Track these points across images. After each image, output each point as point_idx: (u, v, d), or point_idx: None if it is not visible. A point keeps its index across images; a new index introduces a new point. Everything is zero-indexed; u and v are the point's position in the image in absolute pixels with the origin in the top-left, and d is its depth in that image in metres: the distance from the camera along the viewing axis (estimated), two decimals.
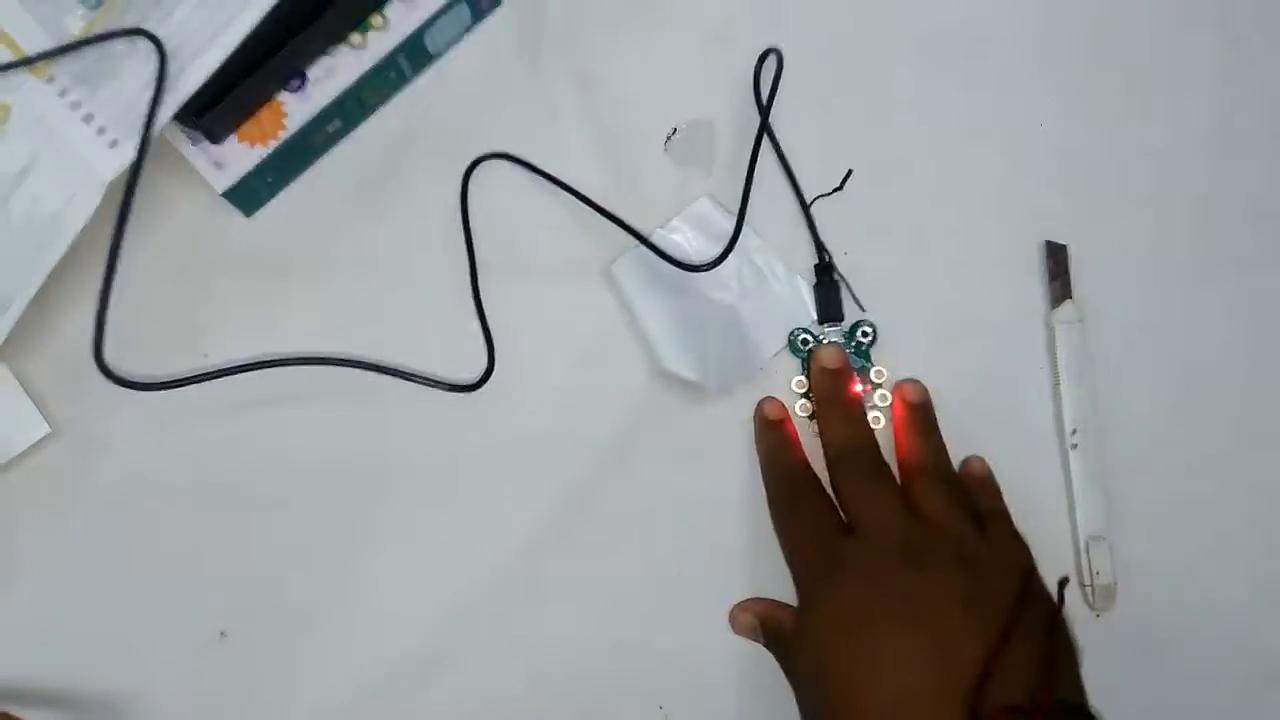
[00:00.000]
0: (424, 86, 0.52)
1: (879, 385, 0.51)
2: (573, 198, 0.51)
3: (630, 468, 0.50)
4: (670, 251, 0.50)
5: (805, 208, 0.51)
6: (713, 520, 0.50)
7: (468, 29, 0.52)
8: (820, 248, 0.51)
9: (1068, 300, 0.51)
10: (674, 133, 0.52)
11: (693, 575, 0.49)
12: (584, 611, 0.49)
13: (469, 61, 0.52)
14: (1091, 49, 0.54)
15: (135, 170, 0.45)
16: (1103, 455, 0.50)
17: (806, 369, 0.51)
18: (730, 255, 0.49)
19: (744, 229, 0.50)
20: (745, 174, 0.50)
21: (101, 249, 0.46)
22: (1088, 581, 0.49)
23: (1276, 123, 0.53)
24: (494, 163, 0.52)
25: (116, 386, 0.47)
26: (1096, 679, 0.49)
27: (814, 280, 0.51)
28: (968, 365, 0.51)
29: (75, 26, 0.47)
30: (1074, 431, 0.50)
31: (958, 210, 0.52)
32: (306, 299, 0.51)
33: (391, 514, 0.49)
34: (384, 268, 0.51)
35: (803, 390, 0.51)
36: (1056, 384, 0.51)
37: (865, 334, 0.51)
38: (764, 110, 0.51)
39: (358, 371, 0.49)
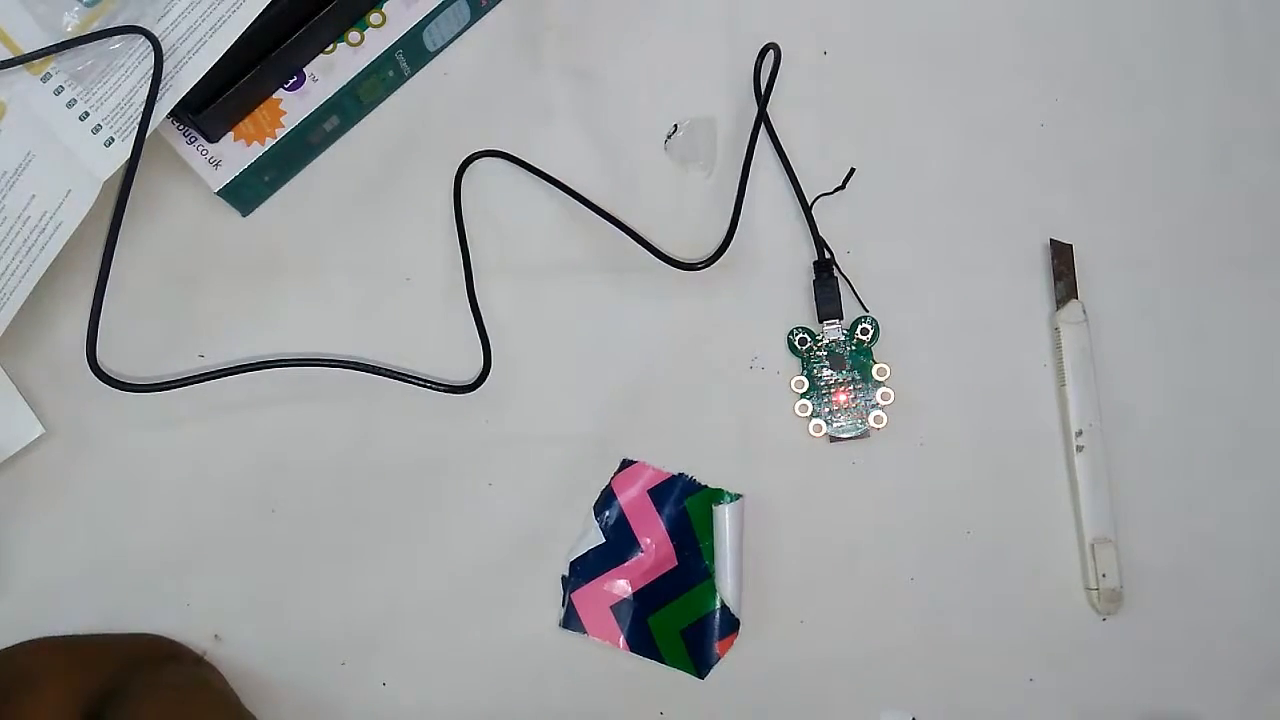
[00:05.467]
0: (422, 84, 0.52)
1: (881, 383, 0.50)
2: (570, 197, 0.50)
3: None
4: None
5: (805, 206, 0.51)
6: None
7: (466, 26, 0.52)
8: (820, 245, 0.51)
9: (1073, 300, 0.50)
10: (674, 130, 0.52)
11: None
12: None
13: (468, 59, 0.52)
14: (1093, 49, 0.54)
15: (131, 169, 0.45)
16: (1108, 457, 0.49)
17: (806, 368, 0.50)
18: None
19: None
20: (742, 166, 0.50)
21: (96, 248, 0.46)
22: (1094, 585, 0.48)
23: (1277, 123, 0.53)
24: (491, 162, 0.51)
25: (110, 387, 0.46)
26: (1102, 682, 0.49)
27: (814, 277, 0.51)
28: (971, 365, 0.51)
29: (71, 24, 0.46)
30: (1079, 433, 0.49)
31: (961, 210, 0.52)
32: (304, 298, 0.50)
33: (388, 515, 0.49)
34: (382, 267, 0.51)
35: (802, 390, 0.50)
36: (1061, 385, 0.50)
37: (865, 331, 0.50)
38: (762, 99, 0.51)
39: (354, 372, 0.49)
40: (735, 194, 0.50)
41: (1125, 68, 0.53)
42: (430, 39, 0.50)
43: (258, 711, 0.47)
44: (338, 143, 0.51)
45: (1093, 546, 0.49)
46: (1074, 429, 0.50)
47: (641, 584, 0.48)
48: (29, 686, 0.43)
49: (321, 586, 0.48)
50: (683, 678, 0.48)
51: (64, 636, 0.47)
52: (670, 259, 0.50)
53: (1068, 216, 0.52)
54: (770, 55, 0.51)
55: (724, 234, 0.50)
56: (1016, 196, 0.52)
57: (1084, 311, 0.50)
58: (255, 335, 0.50)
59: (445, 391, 0.49)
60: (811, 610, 0.49)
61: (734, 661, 0.48)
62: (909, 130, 0.53)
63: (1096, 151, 0.53)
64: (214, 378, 0.48)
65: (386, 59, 0.49)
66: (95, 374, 0.46)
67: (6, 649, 0.46)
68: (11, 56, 0.46)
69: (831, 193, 0.52)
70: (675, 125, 0.52)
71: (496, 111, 0.52)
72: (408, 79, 0.52)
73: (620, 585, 0.48)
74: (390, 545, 0.49)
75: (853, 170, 0.52)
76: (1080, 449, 0.49)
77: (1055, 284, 0.51)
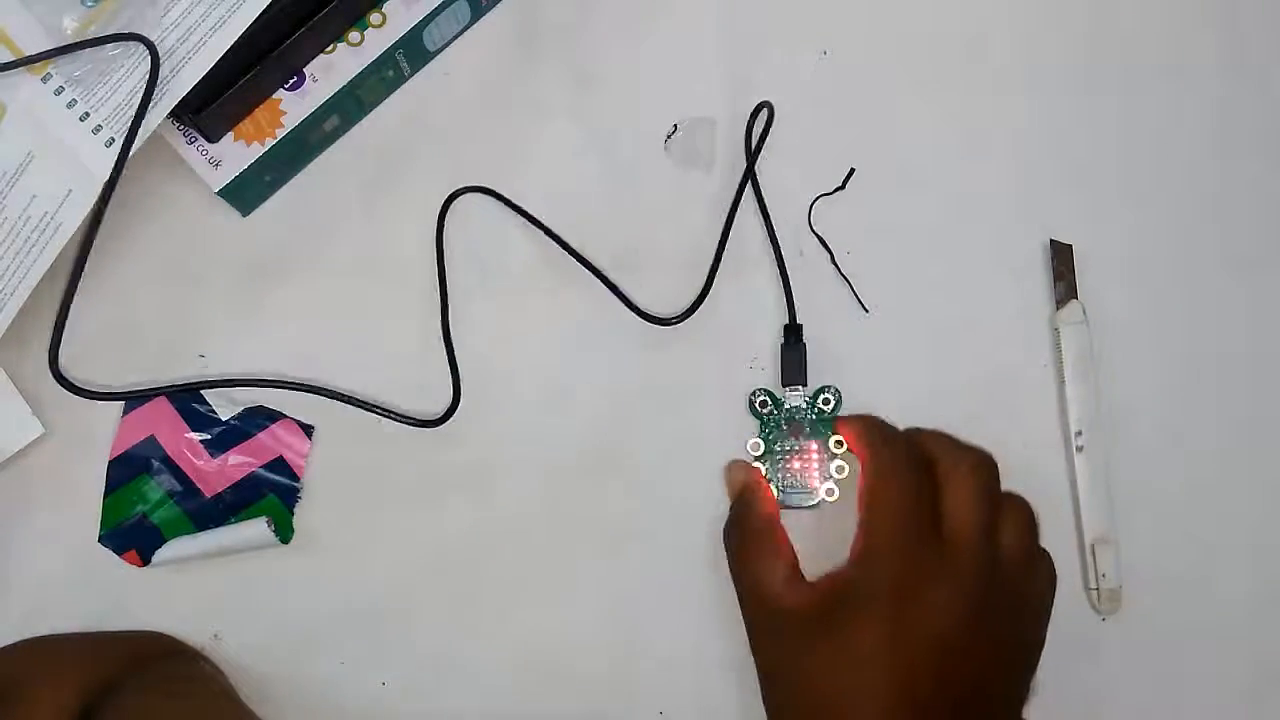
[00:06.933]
0: (422, 84, 0.52)
1: (836, 455, 0.49)
2: (551, 237, 0.50)
3: (628, 464, 0.50)
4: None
5: (783, 269, 0.50)
6: (712, 524, 0.49)
7: (466, 26, 0.52)
8: (791, 306, 0.50)
9: (1073, 300, 0.50)
10: (674, 130, 0.52)
11: (693, 579, 0.49)
12: (584, 616, 0.49)
13: (468, 59, 0.52)
14: (1093, 48, 0.54)
15: (115, 175, 0.45)
16: (1108, 457, 0.49)
17: (764, 430, 0.49)
18: None
19: None
20: (737, 187, 0.50)
21: (96, 248, 0.46)
22: (1094, 585, 0.48)
23: (1277, 122, 0.53)
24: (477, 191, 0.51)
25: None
26: (1102, 681, 0.49)
27: (782, 341, 0.50)
28: (971, 366, 0.51)
29: (71, 26, 0.46)
30: (1079, 433, 0.49)
31: (961, 210, 0.52)
32: (303, 299, 0.50)
33: (388, 516, 0.49)
34: (382, 267, 0.51)
35: (757, 453, 0.49)
36: (1061, 385, 0.50)
37: (827, 400, 0.49)
38: (751, 154, 0.51)
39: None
40: (737, 195, 0.50)
41: (1125, 67, 0.53)
42: (430, 39, 0.50)
43: (257, 711, 0.47)
44: (338, 143, 0.51)
45: (1093, 546, 0.49)
46: (1074, 429, 0.50)
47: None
48: (29, 685, 0.44)
49: (321, 586, 0.48)
50: (682, 678, 0.48)
51: (64, 635, 0.47)
52: (639, 310, 0.49)
53: (1068, 216, 0.52)
54: (764, 114, 0.51)
55: (721, 235, 0.50)
56: (1016, 197, 0.52)
57: (1084, 311, 0.50)
58: (255, 335, 0.50)
59: (415, 426, 0.48)
60: None
61: (738, 662, 0.48)
62: (909, 131, 0.53)
63: (1096, 151, 0.53)
64: (209, 387, 0.48)
65: (386, 59, 0.49)
66: (57, 381, 0.46)
67: (6, 648, 0.46)
68: (13, 59, 0.46)
69: (831, 193, 0.52)
70: (675, 125, 0.52)
71: (496, 112, 0.52)
72: (408, 79, 0.52)
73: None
74: (389, 545, 0.49)
75: (853, 170, 0.52)
76: (1080, 449, 0.49)
77: (1055, 284, 0.51)
